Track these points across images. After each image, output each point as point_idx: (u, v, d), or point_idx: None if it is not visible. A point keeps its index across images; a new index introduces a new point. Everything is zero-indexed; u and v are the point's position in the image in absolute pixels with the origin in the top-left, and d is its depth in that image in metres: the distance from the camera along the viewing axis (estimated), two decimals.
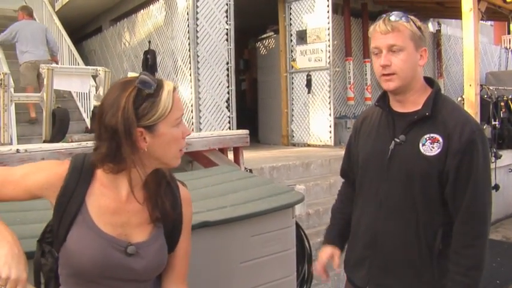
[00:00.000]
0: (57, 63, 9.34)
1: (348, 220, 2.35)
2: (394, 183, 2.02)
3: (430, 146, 1.95)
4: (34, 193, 1.61)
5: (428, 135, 1.97)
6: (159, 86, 1.54)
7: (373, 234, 2.10)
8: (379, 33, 1.97)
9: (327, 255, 2.37)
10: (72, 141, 4.13)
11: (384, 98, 2.14)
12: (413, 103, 2.04)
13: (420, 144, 1.97)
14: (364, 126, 2.24)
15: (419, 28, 1.97)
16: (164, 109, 1.53)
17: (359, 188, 2.22)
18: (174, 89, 1.58)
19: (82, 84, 5.73)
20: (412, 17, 1.98)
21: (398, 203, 2.02)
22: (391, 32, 1.93)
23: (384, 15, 1.99)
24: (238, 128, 7.70)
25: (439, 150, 1.93)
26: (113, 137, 1.51)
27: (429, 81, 2.10)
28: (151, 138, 1.54)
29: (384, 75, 1.99)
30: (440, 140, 1.94)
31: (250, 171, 4.92)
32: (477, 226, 1.93)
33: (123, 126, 1.49)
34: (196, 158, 4.66)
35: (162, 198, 1.68)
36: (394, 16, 1.96)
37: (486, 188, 1.97)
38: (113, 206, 1.61)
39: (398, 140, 2.02)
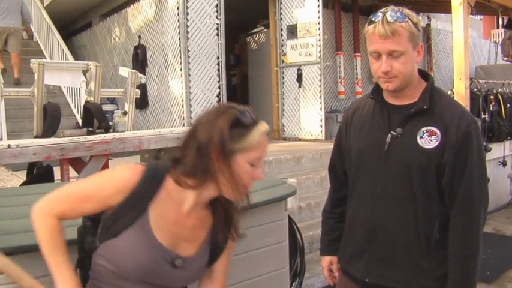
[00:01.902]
0: (28, 32, 11.04)
1: (338, 219, 2.37)
2: (392, 176, 2.03)
3: (428, 139, 1.96)
4: (108, 204, 1.64)
5: (425, 128, 1.98)
6: (254, 122, 1.60)
7: (372, 226, 2.10)
8: (378, 37, 1.92)
9: (327, 265, 2.41)
10: (64, 136, 4.11)
11: (377, 90, 2.13)
12: (409, 96, 2.04)
13: (418, 137, 1.98)
14: (355, 117, 2.22)
15: (415, 24, 1.94)
16: (251, 143, 1.57)
17: (353, 181, 2.21)
18: (267, 132, 1.63)
19: (73, 79, 5.70)
20: (408, 12, 1.95)
21: (396, 195, 2.03)
22: (391, 37, 1.89)
23: (380, 14, 1.94)
24: None
25: (438, 143, 1.95)
26: (199, 149, 1.56)
27: (423, 74, 2.10)
28: (223, 164, 1.57)
29: (383, 77, 1.98)
30: (438, 132, 1.95)
31: None
32: (472, 217, 1.96)
33: (218, 144, 1.54)
34: None
35: (220, 227, 1.76)
36: (390, 16, 1.91)
37: (481, 180, 1.99)
38: (173, 217, 1.66)
39: (395, 133, 2.02)
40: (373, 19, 1.96)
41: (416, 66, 2.04)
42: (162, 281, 1.67)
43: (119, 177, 1.65)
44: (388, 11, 1.93)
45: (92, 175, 1.72)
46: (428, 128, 1.97)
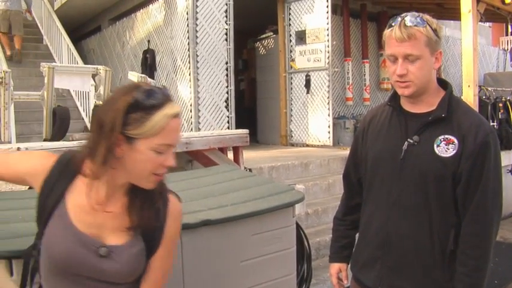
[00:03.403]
0: (30, 14, 11.96)
1: (349, 227, 2.36)
2: (407, 184, 2.01)
3: (445, 147, 1.94)
4: (22, 178, 1.69)
5: (442, 137, 1.95)
6: (159, 104, 1.50)
7: (386, 234, 2.07)
8: (395, 40, 1.91)
9: (335, 272, 2.38)
10: (73, 140, 4.14)
11: (395, 98, 2.11)
12: (426, 104, 2.02)
13: (435, 145, 1.95)
14: (372, 125, 2.20)
15: (435, 31, 1.93)
16: (150, 130, 1.49)
17: (368, 188, 2.19)
18: (176, 115, 1.53)
19: (83, 83, 5.74)
20: (428, 18, 1.93)
21: (411, 204, 2.00)
22: (407, 40, 1.88)
23: (399, 19, 1.93)
24: (236, 128, 7.72)
25: (455, 151, 1.92)
26: (97, 132, 1.51)
27: (442, 82, 2.08)
28: (128, 149, 1.51)
29: (399, 81, 1.97)
30: (456, 141, 1.93)
31: (250, 170, 4.93)
32: (484, 228, 1.94)
33: (109, 126, 1.47)
34: (196, 157, 4.68)
35: (143, 208, 1.63)
36: (409, 20, 1.90)
37: (496, 191, 1.97)
38: (91, 205, 1.59)
39: (411, 141, 1.99)
40: (392, 23, 1.94)
41: (435, 73, 2.01)
42: (91, 273, 1.59)
43: (36, 160, 1.68)
44: (407, 16, 1.92)
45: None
46: (446, 136, 1.95)
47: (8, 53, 10.79)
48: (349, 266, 2.34)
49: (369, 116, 2.29)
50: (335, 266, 2.39)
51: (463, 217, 1.95)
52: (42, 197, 1.62)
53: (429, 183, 1.96)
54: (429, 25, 1.91)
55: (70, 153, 1.67)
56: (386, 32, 1.96)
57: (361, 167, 2.25)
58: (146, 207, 1.63)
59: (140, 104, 1.47)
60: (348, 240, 2.36)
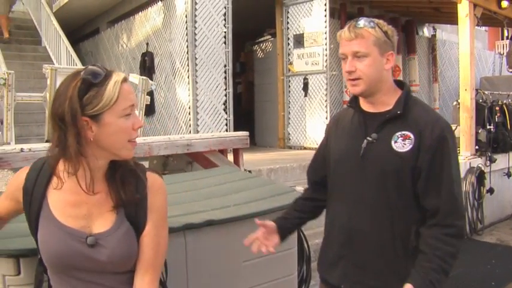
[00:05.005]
0: None
1: (302, 216, 2.41)
2: (368, 181, 2.05)
3: (402, 143, 2.00)
4: (17, 200, 1.72)
5: (400, 133, 2.01)
6: (106, 76, 1.56)
7: (348, 232, 2.11)
8: (344, 39, 2.04)
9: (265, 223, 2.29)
10: None
11: (355, 100, 2.20)
12: (383, 104, 2.09)
13: (392, 142, 2.01)
14: (337, 127, 2.28)
15: (385, 33, 2.02)
16: (109, 99, 1.54)
17: (331, 188, 2.24)
18: (124, 80, 1.60)
19: None
20: (379, 22, 2.04)
21: (372, 201, 2.05)
22: (355, 39, 2.00)
23: (352, 22, 2.05)
24: (234, 130, 7.75)
25: (411, 146, 1.98)
26: (61, 127, 1.55)
27: (399, 83, 2.17)
28: (98, 127, 1.55)
29: (350, 79, 2.07)
30: (412, 136, 1.99)
31: (250, 172, 4.96)
32: (460, 219, 1.99)
33: (69, 115, 1.51)
34: (196, 159, 4.70)
35: (120, 184, 1.68)
36: (360, 22, 2.02)
37: (458, 182, 2.04)
38: (72, 199, 1.64)
39: (370, 139, 2.06)
40: (345, 27, 2.07)
41: (388, 73, 2.09)
42: (88, 264, 1.62)
43: (14, 178, 1.74)
44: (360, 19, 2.04)
45: None
46: (403, 132, 2.01)
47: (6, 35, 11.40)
48: (317, 268, 2.36)
49: (334, 119, 2.38)
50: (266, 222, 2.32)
51: (430, 211, 1.98)
52: (26, 206, 1.68)
53: (389, 179, 2.01)
54: (379, 27, 2.02)
55: (42, 158, 1.73)
56: (339, 33, 2.08)
57: (322, 169, 2.31)
58: (127, 182, 1.68)
59: (90, 83, 1.54)
60: (293, 222, 2.39)
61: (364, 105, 2.15)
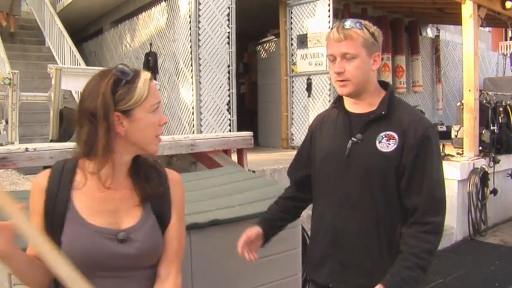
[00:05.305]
0: None
1: (286, 216, 2.42)
2: (353, 181, 2.07)
3: (386, 143, 2.02)
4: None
5: (384, 133, 2.04)
6: (136, 74, 1.64)
7: (334, 232, 2.13)
8: (333, 40, 2.04)
9: (250, 231, 2.29)
10: None
11: (339, 100, 2.21)
12: (368, 104, 2.11)
13: (377, 142, 2.03)
14: (321, 128, 2.29)
15: (372, 34, 2.05)
16: (140, 95, 1.62)
17: (317, 188, 2.26)
18: (151, 78, 1.68)
19: None
20: (366, 23, 2.06)
21: (358, 200, 2.06)
22: (344, 40, 2.01)
23: (339, 22, 2.06)
24: (238, 131, 7.75)
25: (395, 146, 2.00)
26: (91, 122, 1.60)
27: (383, 84, 2.19)
28: (128, 123, 1.63)
29: (338, 81, 2.07)
30: (396, 136, 2.01)
31: (254, 172, 4.96)
32: (437, 216, 2.00)
33: (102, 110, 1.58)
34: (200, 159, 4.70)
35: (145, 179, 1.75)
36: (348, 23, 2.03)
37: (441, 181, 2.05)
38: (98, 196, 1.67)
39: (355, 139, 2.07)
40: (332, 28, 2.08)
41: (374, 74, 2.12)
42: (118, 262, 1.65)
43: (33, 187, 1.70)
44: (347, 20, 2.05)
45: None
46: (387, 132, 2.03)
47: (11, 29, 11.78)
48: (306, 268, 2.37)
49: (318, 119, 2.39)
50: (254, 228, 2.31)
51: (411, 208, 2.00)
52: (49, 207, 1.65)
53: (373, 179, 2.03)
54: (366, 28, 2.04)
55: (62, 161, 1.74)
56: (327, 34, 2.09)
57: (305, 168, 2.32)
58: (151, 177, 1.76)
59: (122, 80, 1.62)
60: (276, 225, 2.38)
61: (349, 106, 2.17)
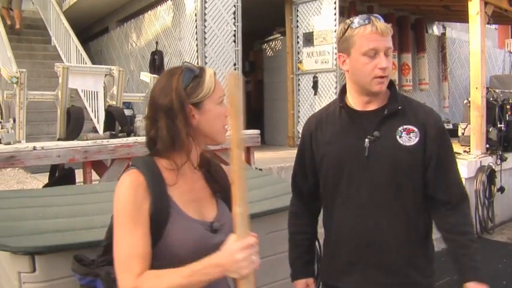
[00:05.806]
0: None
1: (311, 238, 2.36)
2: (376, 179, 2.02)
3: (407, 137, 2.01)
4: (146, 216, 1.62)
5: (402, 127, 2.02)
6: (202, 70, 1.75)
7: (362, 234, 2.06)
8: (377, 34, 1.96)
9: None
10: (87, 139, 4.18)
11: (343, 99, 2.15)
12: (378, 101, 2.09)
13: (397, 137, 2.02)
14: (319, 130, 2.20)
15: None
16: (208, 88, 1.73)
17: (333, 192, 2.14)
18: (215, 73, 1.79)
19: (95, 84, 5.80)
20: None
21: (384, 198, 2.02)
22: (388, 35, 1.99)
23: (369, 16, 2.00)
24: (244, 129, 7.73)
25: (418, 139, 2.01)
26: (168, 116, 1.68)
27: None
28: (199, 114, 1.71)
29: (380, 77, 1.99)
30: (416, 129, 2.01)
31: (261, 170, 4.96)
32: (467, 199, 2.08)
33: (178, 103, 1.67)
34: None
35: (215, 172, 1.86)
36: (378, 18, 2.01)
37: (457, 169, 2.13)
38: (186, 189, 1.74)
39: (372, 137, 2.03)
40: (364, 22, 1.99)
41: None
42: (213, 251, 1.59)
43: (127, 192, 1.62)
44: (374, 15, 2.02)
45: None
46: (405, 126, 2.02)
47: (9, 22, 11.97)
48: (321, 279, 2.33)
49: (313, 120, 2.28)
50: (301, 282, 2.31)
51: (442, 198, 2.04)
52: (155, 207, 1.62)
53: (399, 174, 2.01)
54: None
55: (139, 160, 1.72)
56: (362, 28, 1.99)
57: (312, 175, 2.25)
58: (219, 168, 1.90)
59: (191, 76, 1.72)
60: (312, 255, 2.36)
61: (357, 104, 2.11)
